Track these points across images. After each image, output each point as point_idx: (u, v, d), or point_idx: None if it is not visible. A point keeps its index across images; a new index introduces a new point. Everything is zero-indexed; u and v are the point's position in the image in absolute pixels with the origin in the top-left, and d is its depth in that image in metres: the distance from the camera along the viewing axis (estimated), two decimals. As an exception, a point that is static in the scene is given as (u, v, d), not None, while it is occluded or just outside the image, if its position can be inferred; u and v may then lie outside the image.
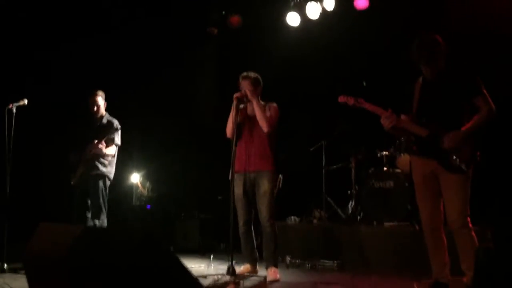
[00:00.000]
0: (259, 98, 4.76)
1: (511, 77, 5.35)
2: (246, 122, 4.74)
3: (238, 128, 4.60)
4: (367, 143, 6.40)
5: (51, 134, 6.79)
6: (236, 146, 4.57)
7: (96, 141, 5.16)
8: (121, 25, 7.23)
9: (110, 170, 5.39)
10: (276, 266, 4.62)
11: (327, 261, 5.21)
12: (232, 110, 4.62)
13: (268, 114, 4.64)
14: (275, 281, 4.44)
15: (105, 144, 5.21)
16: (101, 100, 5.44)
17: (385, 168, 5.98)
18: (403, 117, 3.73)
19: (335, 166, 6.66)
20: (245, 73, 4.78)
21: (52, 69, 7.10)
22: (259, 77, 4.80)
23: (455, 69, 3.66)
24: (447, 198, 3.63)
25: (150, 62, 7.47)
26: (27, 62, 6.89)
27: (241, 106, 4.67)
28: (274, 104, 4.77)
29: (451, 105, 3.62)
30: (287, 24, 7.16)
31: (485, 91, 3.60)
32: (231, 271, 4.18)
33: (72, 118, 6.38)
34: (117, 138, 5.38)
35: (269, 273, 4.53)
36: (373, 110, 3.76)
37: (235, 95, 4.60)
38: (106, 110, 5.52)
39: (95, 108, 5.40)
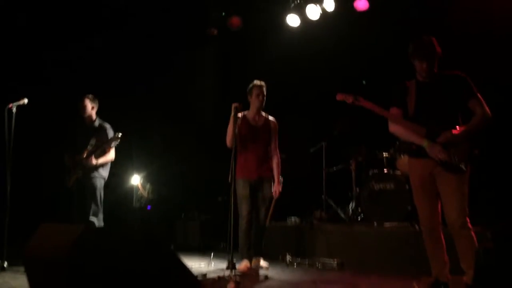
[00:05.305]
0: (263, 106, 5.09)
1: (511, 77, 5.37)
2: (250, 132, 5.03)
3: (244, 138, 4.96)
4: (367, 145, 6.40)
5: (51, 134, 6.78)
6: (241, 154, 4.98)
7: (86, 153, 5.23)
8: (122, 26, 7.23)
9: (105, 171, 5.48)
10: (262, 255, 5.05)
11: (327, 260, 5.22)
12: (230, 119, 4.86)
13: (274, 143, 5.11)
14: (266, 268, 4.91)
15: (96, 160, 5.25)
16: (89, 104, 5.45)
17: (385, 170, 5.98)
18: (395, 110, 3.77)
19: (335, 168, 6.67)
20: (261, 83, 5.04)
21: (52, 69, 7.10)
22: None
23: (450, 72, 3.68)
24: (446, 199, 3.62)
25: (150, 64, 7.48)
26: (27, 62, 6.90)
27: (239, 115, 4.90)
28: (274, 121, 5.15)
29: (447, 107, 3.62)
30: (287, 25, 7.15)
31: (479, 95, 3.61)
32: (231, 265, 4.32)
33: (70, 119, 6.38)
34: (114, 142, 5.33)
35: (260, 263, 4.98)
36: (372, 108, 3.74)
37: (233, 105, 4.78)
38: (97, 113, 5.54)
39: (85, 113, 5.45)
